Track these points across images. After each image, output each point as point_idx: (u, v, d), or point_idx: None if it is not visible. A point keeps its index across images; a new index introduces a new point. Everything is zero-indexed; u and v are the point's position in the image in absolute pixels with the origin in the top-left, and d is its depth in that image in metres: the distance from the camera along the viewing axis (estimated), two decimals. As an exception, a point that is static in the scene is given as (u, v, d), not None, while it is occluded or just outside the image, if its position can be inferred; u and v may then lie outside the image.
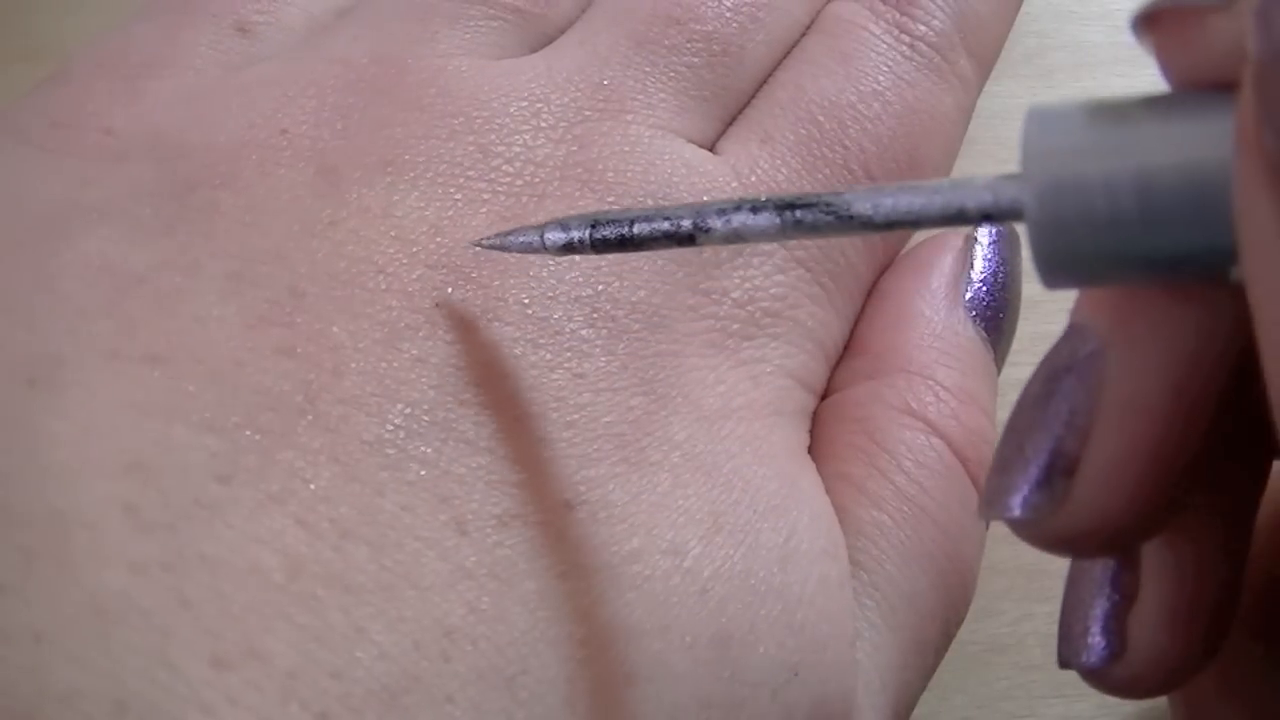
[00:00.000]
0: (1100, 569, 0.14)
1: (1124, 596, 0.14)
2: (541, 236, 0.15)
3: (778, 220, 0.13)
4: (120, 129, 0.17)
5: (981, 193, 0.11)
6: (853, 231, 0.13)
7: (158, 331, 0.14)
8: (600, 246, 0.14)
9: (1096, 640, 0.14)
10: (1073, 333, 0.13)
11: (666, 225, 0.14)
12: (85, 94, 0.17)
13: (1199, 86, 0.11)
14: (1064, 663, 0.15)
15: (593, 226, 0.14)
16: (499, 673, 0.13)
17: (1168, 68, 0.11)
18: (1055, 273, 0.11)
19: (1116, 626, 0.14)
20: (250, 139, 0.16)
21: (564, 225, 0.14)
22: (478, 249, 0.16)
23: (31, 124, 0.17)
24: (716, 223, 0.13)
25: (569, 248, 0.14)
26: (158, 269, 0.15)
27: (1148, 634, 0.14)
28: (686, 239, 0.14)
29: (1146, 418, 0.12)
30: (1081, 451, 0.12)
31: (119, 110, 0.17)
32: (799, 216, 0.13)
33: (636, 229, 0.14)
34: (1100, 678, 0.14)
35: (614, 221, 0.14)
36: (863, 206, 0.12)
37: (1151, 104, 0.11)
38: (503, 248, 0.15)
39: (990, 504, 0.13)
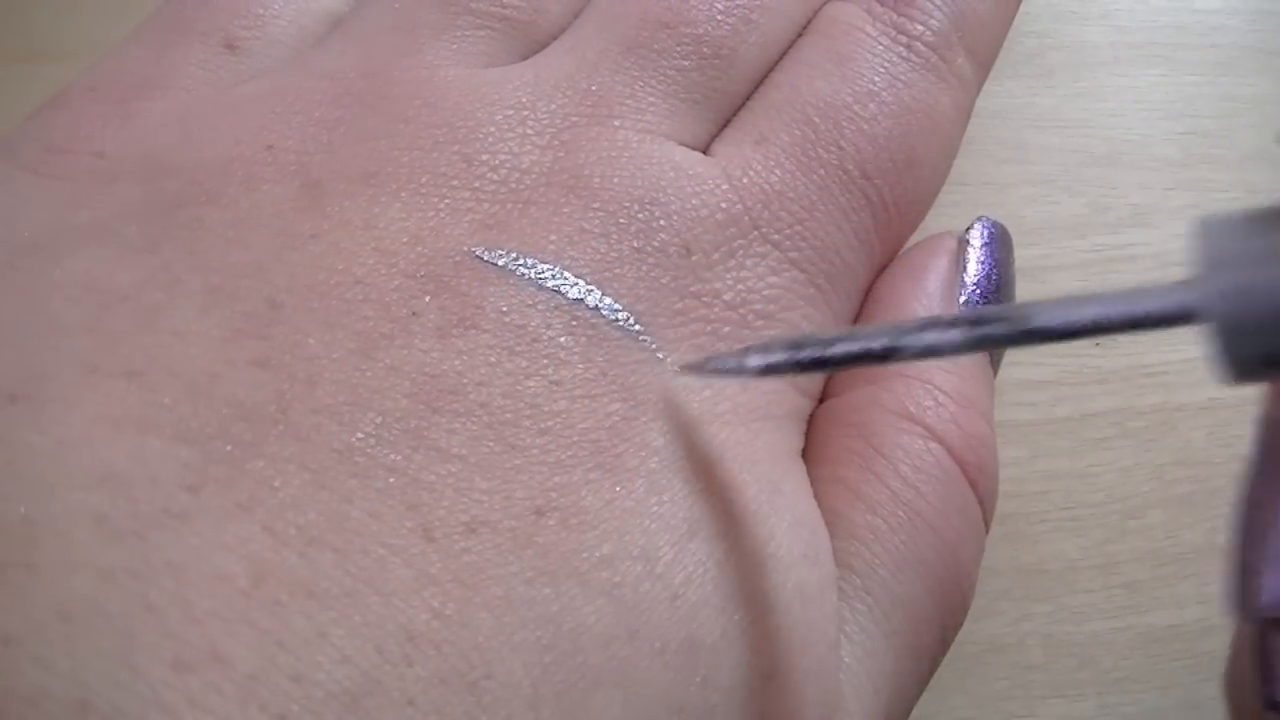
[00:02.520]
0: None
1: None
2: (741, 362, 0.16)
3: (964, 337, 0.14)
4: (111, 151, 0.17)
5: (1162, 300, 0.12)
6: (1035, 343, 0.13)
7: (137, 347, 0.14)
8: (801, 368, 0.15)
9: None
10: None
11: (860, 346, 0.15)
12: (78, 118, 0.18)
13: None
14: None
15: (794, 349, 0.15)
16: (462, 677, 0.13)
17: None
18: (1239, 371, 0.12)
19: None
20: (237, 156, 0.17)
21: (765, 349, 0.15)
22: (459, 258, 0.16)
23: (27, 149, 0.18)
24: (910, 342, 0.14)
25: (770, 370, 0.15)
26: (141, 286, 0.15)
27: None
28: (880, 357, 0.14)
29: None
30: None
31: (110, 133, 0.18)
32: (986, 332, 0.13)
33: (834, 350, 0.15)
34: None
35: (815, 344, 0.15)
36: (1045, 320, 0.13)
37: None
38: (702, 372, 0.16)
39: (1242, 607, 0.14)
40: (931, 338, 0.14)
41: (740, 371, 0.15)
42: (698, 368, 0.16)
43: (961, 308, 0.19)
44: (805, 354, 0.15)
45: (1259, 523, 0.14)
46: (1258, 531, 0.14)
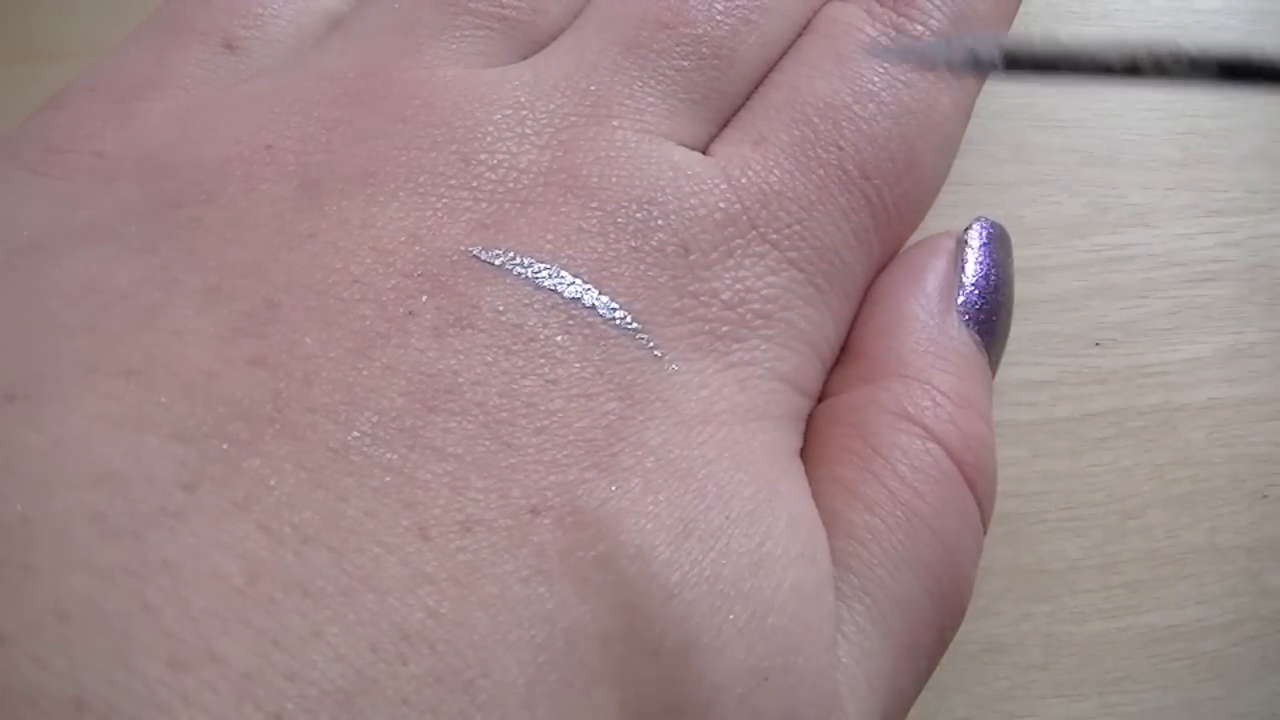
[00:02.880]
0: None
1: None
2: (948, 52, 0.14)
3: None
4: (111, 151, 0.17)
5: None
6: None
7: (134, 346, 0.14)
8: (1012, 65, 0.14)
9: None
10: None
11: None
12: (78, 118, 0.18)
13: None
14: None
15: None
16: (457, 675, 0.13)
17: None
18: None
19: None
20: (235, 156, 0.17)
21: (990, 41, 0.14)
22: (456, 257, 0.16)
23: (27, 149, 0.18)
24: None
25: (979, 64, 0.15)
26: (139, 285, 0.15)
27: None
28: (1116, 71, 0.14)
29: None
30: None
31: (110, 133, 0.18)
32: None
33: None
34: None
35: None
36: None
37: None
38: (896, 56, 0.15)
39: None
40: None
41: (948, 60, 0.14)
42: (894, 55, 0.15)
43: (958, 309, 0.19)
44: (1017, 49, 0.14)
45: None
46: None
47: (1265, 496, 0.26)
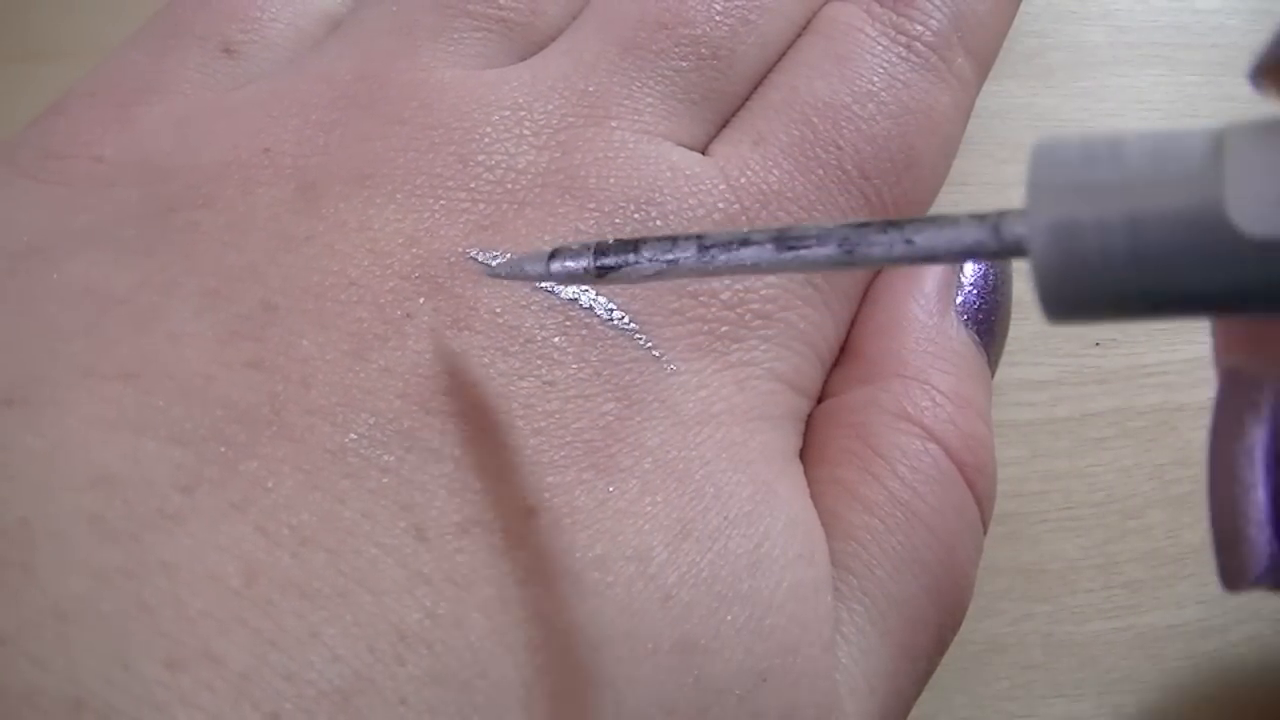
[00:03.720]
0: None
1: None
2: (545, 267, 0.15)
3: (778, 255, 0.13)
4: (110, 156, 0.17)
5: (986, 232, 0.11)
6: (857, 269, 0.13)
7: (132, 350, 0.14)
8: (603, 276, 0.14)
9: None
10: (1235, 380, 0.13)
11: (671, 256, 0.14)
12: (78, 124, 0.18)
13: None
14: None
15: (599, 254, 0.14)
16: (454, 676, 0.13)
17: None
18: (1058, 311, 0.11)
19: None
20: (233, 159, 0.17)
21: (569, 254, 0.14)
22: (453, 259, 0.16)
23: (27, 155, 0.18)
24: (722, 258, 0.13)
25: (571, 276, 0.14)
26: (137, 289, 0.15)
27: None
28: (689, 271, 0.14)
29: None
30: None
31: (109, 138, 0.18)
32: (801, 253, 0.13)
33: (641, 257, 0.14)
34: None
35: (620, 249, 0.14)
36: (868, 250, 0.12)
37: (1153, 145, 0.11)
38: (507, 276, 0.15)
39: (1239, 577, 0.13)
40: (747, 254, 0.13)
41: (544, 276, 0.15)
42: (505, 270, 0.15)
43: (956, 309, 0.19)
44: (610, 260, 0.14)
45: (1231, 488, 0.13)
46: (1232, 498, 0.13)
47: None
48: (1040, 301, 0.11)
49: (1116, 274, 0.11)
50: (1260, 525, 0.13)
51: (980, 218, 0.11)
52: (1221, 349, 0.14)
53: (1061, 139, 0.11)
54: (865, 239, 0.12)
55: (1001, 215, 0.11)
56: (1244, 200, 0.10)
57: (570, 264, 0.14)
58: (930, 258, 0.12)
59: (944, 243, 0.12)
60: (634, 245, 0.14)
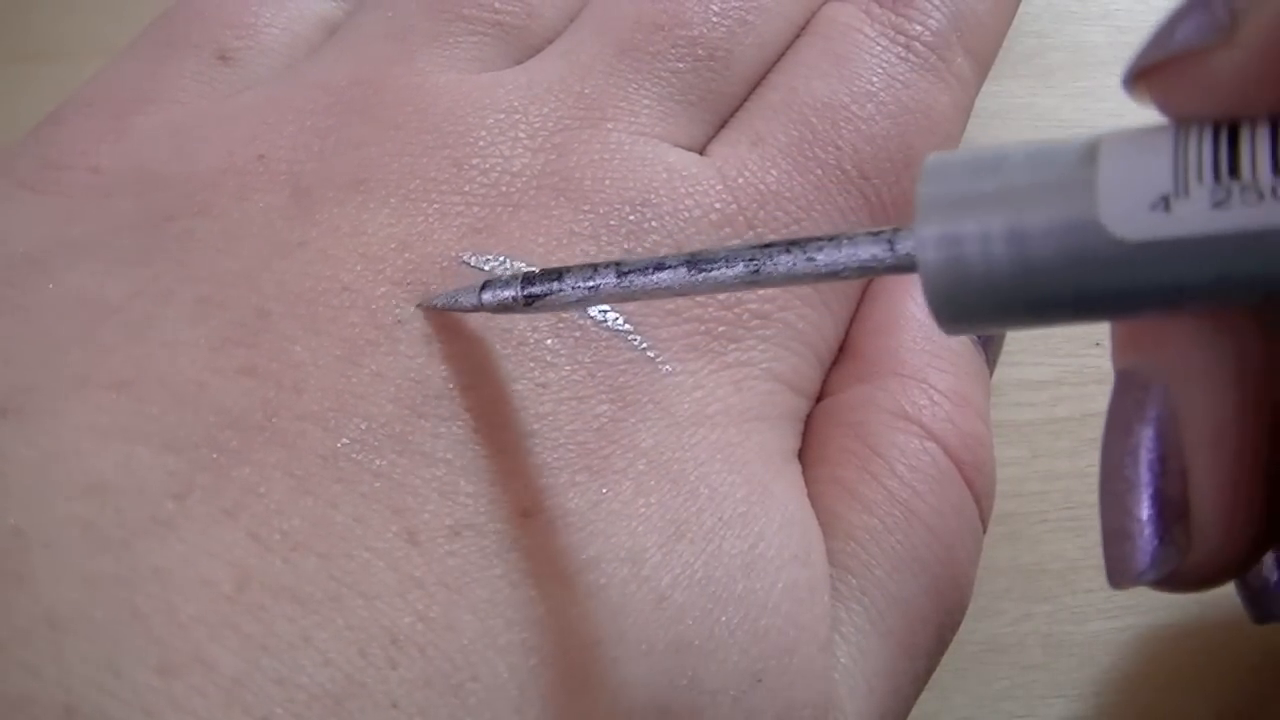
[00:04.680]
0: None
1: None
2: (478, 298, 0.15)
3: (690, 277, 0.13)
4: (107, 166, 0.18)
5: (879, 248, 0.12)
6: (759, 288, 0.13)
7: (126, 358, 0.14)
8: (532, 304, 0.15)
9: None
10: (1127, 382, 0.13)
11: (591, 283, 0.14)
12: (75, 134, 0.18)
13: (1207, 125, 0.11)
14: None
15: (526, 283, 0.15)
16: (446, 679, 0.13)
17: (1175, 113, 0.11)
18: (947, 321, 0.12)
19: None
20: (229, 166, 0.17)
21: (499, 285, 0.15)
22: (447, 264, 0.16)
23: (25, 165, 0.18)
24: (639, 281, 0.14)
25: (502, 306, 0.15)
26: (132, 298, 0.15)
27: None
28: (609, 297, 0.14)
29: (1235, 437, 0.12)
30: (1186, 493, 0.13)
31: (106, 148, 0.18)
32: (711, 274, 0.13)
33: (564, 285, 0.15)
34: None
35: (546, 278, 0.15)
36: (771, 268, 0.13)
37: (1030, 155, 0.11)
38: (439, 307, 0.16)
39: (1122, 574, 0.13)
40: (662, 277, 0.14)
41: (477, 307, 0.15)
42: (440, 303, 0.16)
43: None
44: (536, 289, 0.15)
45: (1118, 485, 0.13)
46: (1118, 495, 0.13)
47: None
48: (931, 312, 0.12)
49: (1000, 284, 0.11)
50: (1143, 524, 0.13)
51: (875, 234, 0.12)
52: (1115, 351, 0.14)
53: (952, 153, 0.12)
54: (770, 258, 0.13)
55: (895, 231, 0.12)
56: (1116, 205, 0.11)
57: (501, 293, 0.15)
58: (832, 274, 0.12)
59: (843, 259, 0.12)
60: (558, 274, 0.15)
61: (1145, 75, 0.12)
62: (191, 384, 0.14)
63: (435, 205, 0.17)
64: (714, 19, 0.19)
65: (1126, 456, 0.13)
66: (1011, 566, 0.26)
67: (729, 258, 0.13)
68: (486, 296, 0.15)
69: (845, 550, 0.17)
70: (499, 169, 0.17)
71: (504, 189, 0.17)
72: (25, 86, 0.29)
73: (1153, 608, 0.26)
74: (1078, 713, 0.25)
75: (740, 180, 0.18)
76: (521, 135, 0.18)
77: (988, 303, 0.11)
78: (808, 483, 0.18)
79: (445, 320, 0.16)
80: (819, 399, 0.19)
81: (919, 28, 0.20)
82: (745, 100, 0.20)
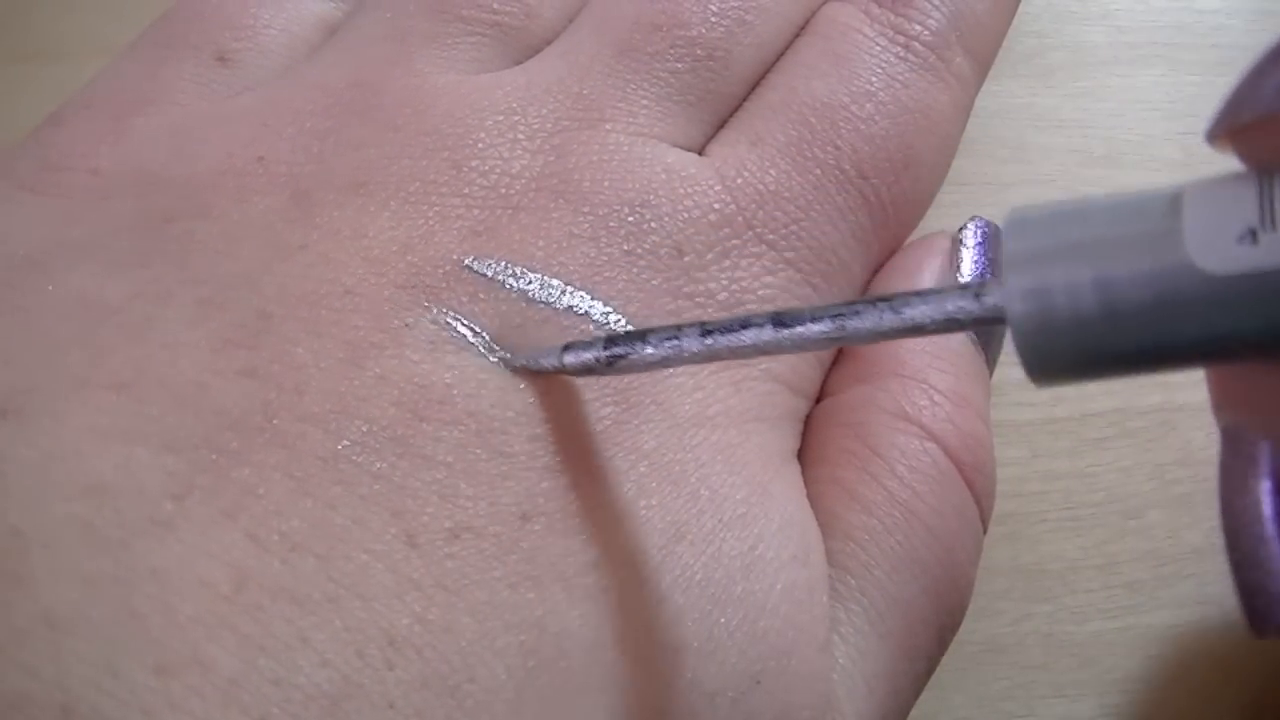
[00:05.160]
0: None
1: None
2: (560, 359, 0.15)
3: (778, 336, 0.13)
4: (106, 168, 0.18)
5: (969, 302, 0.12)
6: (849, 344, 0.14)
7: (126, 359, 0.14)
8: (613, 367, 0.15)
9: None
10: (1235, 441, 0.14)
11: (672, 349, 0.14)
12: (74, 136, 0.18)
13: None
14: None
15: (607, 346, 0.15)
16: (443, 680, 0.13)
17: (1262, 166, 0.11)
18: (1040, 374, 0.12)
19: None
20: (228, 168, 0.17)
21: (580, 348, 0.15)
22: (449, 267, 0.16)
23: (24, 167, 0.18)
24: (726, 341, 0.14)
25: (585, 368, 0.15)
26: (132, 299, 0.15)
27: None
28: (692, 358, 0.14)
29: None
30: None
31: (105, 150, 0.18)
32: (800, 332, 0.13)
33: (646, 350, 0.15)
34: None
35: (627, 341, 0.15)
36: (857, 325, 0.13)
37: (1114, 205, 0.12)
38: (523, 366, 0.16)
39: (1264, 627, 0.14)
40: (746, 336, 0.14)
41: (559, 368, 0.15)
42: (521, 363, 0.16)
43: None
44: (619, 350, 0.15)
45: (1246, 541, 0.14)
46: (1249, 551, 0.14)
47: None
48: (1023, 366, 0.12)
49: (1091, 334, 0.11)
50: (1277, 576, 0.13)
51: (962, 288, 0.12)
52: (1216, 409, 0.14)
53: (1033, 206, 0.12)
54: (855, 314, 0.13)
55: (982, 284, 0.12)
56: (1203, 241, 0.11)
57: (584, 355, 0.15)
58: (917, 329, 0.12)
59: (929, 313, 0.12)
60: (641, 335, 0.15)
61: (1234, 134, 0.12)
62: (191, 385, 0.14)
63: (435, 208, 0.17)
64: (712, 19, 0.19)
65: (1250, 511, 0.13)
66: (1011, 566, 0.26)
67: (814, 315, 0.13)
68: (569, 358, 0.15)
69: (845, 551, 0.17)
70: (498, 171, 0.17)
71: (503, 191, 0.17)
72: (25, 86, 0.29)
73: (1153, 608, 0.26)
74: (1078, 713, 0.25)
75: (739, 180, 0.18)
76: (520, 137, 0.18)
77: (1079, 352, 0.11)
78: (807, 483, 0.18)
79: (450, 328, 0.16)
80: (819, 399, 0.19)
81: (918, 28, 0.20)
82: (744, 100, 0.20)
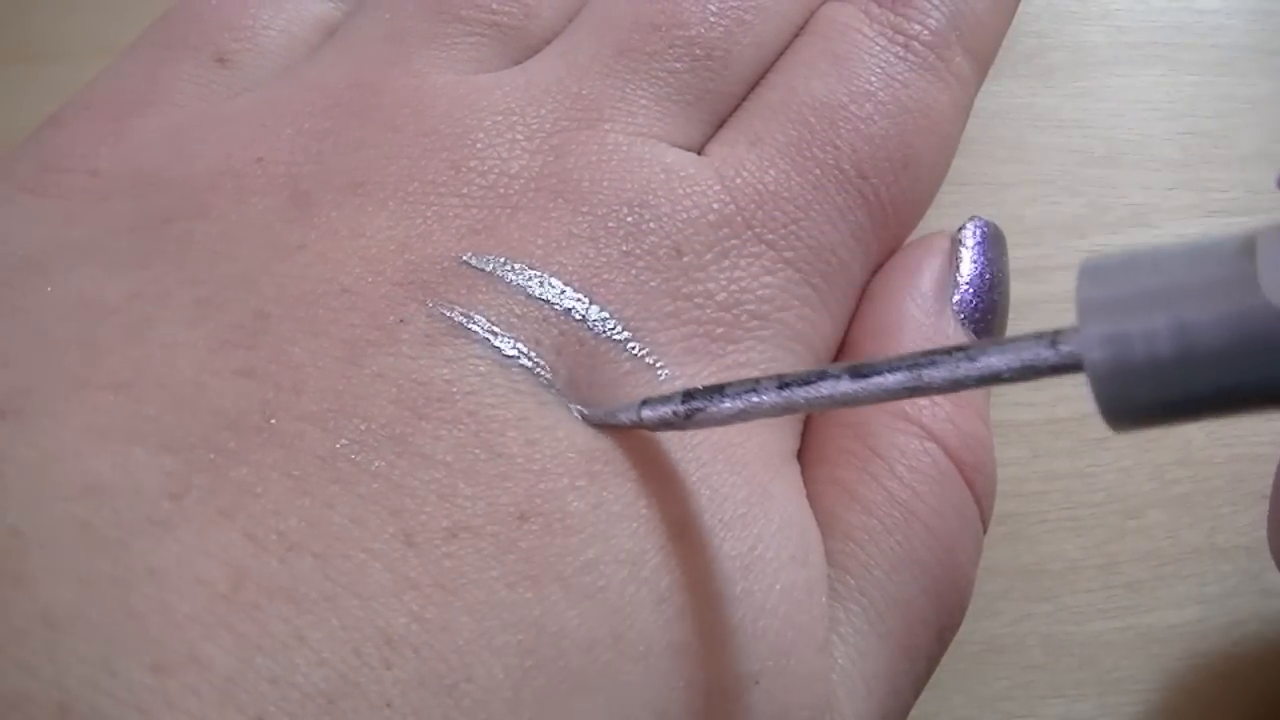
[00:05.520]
0: None
1: None
2: (638, 414, 0.15)
3: (856, 388, 0.14)
4: (105, 169, 0.18)
5: (1044, 351, 0.12)
6: (922, 395, 0.14)
7: (125, 359, 0.14)
8: (691, 421, 0.15)
9: None
10: None
11: (747, 403, 0.15)
12: (74, 137, 0.18)
13: None
14: None
15: (685, 400, 0.15)
16: (441, 680, 0.13)
17: None
18: (1119, 420, 0.12)
19: None
20: (227, 169, 0.17)
21: (659, 402, 0.15)
22: (447, 265, 0.16)
23: (24, 169, 0.18)
24: (802, 394, 0.14)
25: (663, 424, 0.15)
26: (130, 300, 0.15)
27: None
28: (769, 411, 0.14)
29: None
30: None
31: (105, 151, 0.18)
32: (878, 383, 0.13)
33: (723, 406, 0.15)
34: None
35: (704, 396, 0.15)
36: (931, 377, 0.13)
37: (1187, 250, 0.12)
38: (603, 422, 0.16)
39: None
40: (824, 387, 0.14)
41: (637, 423, 0.15)
42: (599, 417, 0.16)
43: (952, 307, 0.19)
44: (696, 404, 0.15)
45: None
46: None
47: (1265, 496, 0.26)
48: (1101, 413, 0.12)
49: (1169, 378, 0.11)
50: None
51: (1038, 336, 0.12)
52: None
53: (1105, 255, 0.12)
54: (932, 364, 0.13)
55: (1058, 332, 0.12)
56: (1278, 280, 0.11)
57: (661, 410, 0.15)
58: (994, 377, 0.13)
59: (1006, 362, 0.12)
60: (719, 389, 0.15)
61: None
62: (190, 385, 0.14)
63: (434, 207, 0.17)
64: (711, 19, 0.19)
65: None
66: (1011, 566, 0.26)
67: (890, 366, 0.13)
68: (646, 413, 0.15)
69: (844, 551, 0.17)
70: (497, 170, 0.17)
71: (502, 190, 0.17)
72: (25, 86, 0.29)
73: (1153, 608, 0.26)
74: (1078, 713, 0.25)
75: (738, 180, 0.18)
76: (519, 137, 0.18)
77: (1157, 396, 0.11)
78: (807, 483, 0.18)
79: (448, 323, 0.16)
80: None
81: (918, 27, 0.20)
82: (743, 100, 0.20)
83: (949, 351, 0.13)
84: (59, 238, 0.16)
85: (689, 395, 0.15)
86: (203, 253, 0.16)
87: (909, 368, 0.13)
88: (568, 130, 0.18)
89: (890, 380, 0.13)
